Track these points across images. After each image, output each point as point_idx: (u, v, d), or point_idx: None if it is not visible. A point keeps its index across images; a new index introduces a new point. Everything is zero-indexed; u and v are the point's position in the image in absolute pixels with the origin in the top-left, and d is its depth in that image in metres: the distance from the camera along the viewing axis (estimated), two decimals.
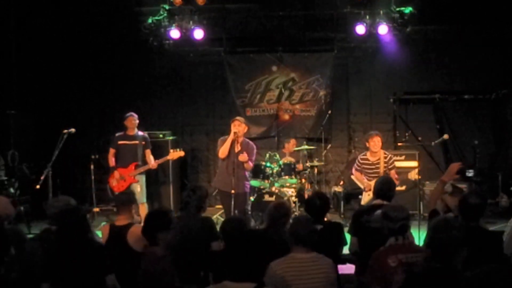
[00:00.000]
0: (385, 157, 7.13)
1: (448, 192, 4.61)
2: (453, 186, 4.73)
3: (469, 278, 2.94)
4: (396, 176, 7.14)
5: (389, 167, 7.11)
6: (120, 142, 7.87)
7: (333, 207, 9.60)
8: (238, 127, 6.81)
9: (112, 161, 7.88)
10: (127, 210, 4.55)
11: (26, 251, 4.05)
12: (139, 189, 7.77)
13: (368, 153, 7.23)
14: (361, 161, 7.24)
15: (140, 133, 8.02)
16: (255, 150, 7.06)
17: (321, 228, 4.51)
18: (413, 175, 7.39)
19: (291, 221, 4.28)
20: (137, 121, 7.97)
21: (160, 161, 7.94)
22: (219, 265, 3.90)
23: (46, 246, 3.93)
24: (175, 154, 7.85)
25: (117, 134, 7.99)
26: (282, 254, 3.67)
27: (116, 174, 7.79)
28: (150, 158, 7.92)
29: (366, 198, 7.02)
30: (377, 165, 7.09)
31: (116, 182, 7.77)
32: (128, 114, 7.94)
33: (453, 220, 3.23)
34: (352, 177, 7.62)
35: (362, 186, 7.23)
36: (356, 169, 7.31)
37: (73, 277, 3.59)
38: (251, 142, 7.10)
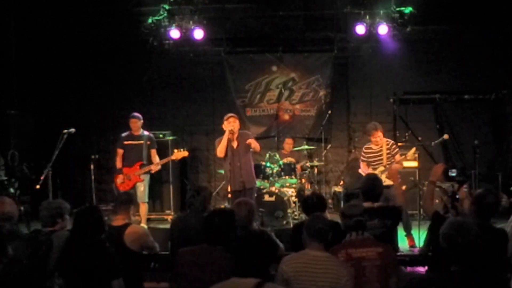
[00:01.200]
0: (388, 144, 7.17)
1: (449, 192, 4.63)
2: (453, 186, 4.75)
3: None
4: (400, 158, 7.13)
5: (393, 153, 7.13)
6: (126, 142, 7.93)
7: (333, 207, 9.60)
8: (233, 123, 6.76)
9: (119, 163, 7.92)
10: (126, 210, 4.55)
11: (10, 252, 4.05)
12: (143, 188, 7.81)
13: (371, 143, 7.28)
14: (365, 151, 7.29)
15: (146, 132, 8.07)
16: (252, 136, 7.10)
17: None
18: (411, 155, 7.28)
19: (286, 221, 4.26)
20: (141, 122, 8.00)
21: (164, 161, 7.97)
22: None
23: (33, 246, 3.92)
24: (179, 154, 7.86)
25: (123, 134, 8.04)
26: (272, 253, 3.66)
27: (123, 173, 7.81)
28: (156, 158, 7.96)
29: None
30: (380, 153, 7.13)
31: (121, 181, 7.79)
32: (131, 116, 7.99)
33: (466, 223, 3.21)
34: (360, 170, 7.63)
35: None
36: (363, 161, 7.34)
37: (81, 276, 3.60)
38: (246, 131, 7.08)
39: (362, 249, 3.71)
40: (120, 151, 7.95)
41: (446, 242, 3.09)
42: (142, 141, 7.90)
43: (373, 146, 7.21)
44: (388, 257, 3.77)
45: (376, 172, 7.00)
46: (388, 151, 7.11)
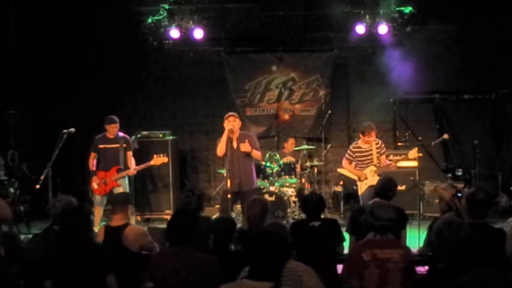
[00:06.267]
0: (377, 143, 7.10)
1: (447, 189, 4.64)
2: (451, 186, 4.76)
3: (463, 282, 2.95)
4: (387, 161, 7.13)
5: (381, 152, 7.08)
6: (101, 146, 7.67)
7: (333, 207, 9.62)
8: (233, 122, 6.63)
9: (92, 165, 7.68)
10: (124, 210, 4.54)
11: (25, 250, 4.06)
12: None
13: (359, 142, 7.18)
14: (354, 150, 7.13)
15: (121, 134, 7.80)
16: (255, 138, 6.90)
17: (319, 224, 4.58)
18: (413, 154, 7.20)
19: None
20: (118, 125, 7.71)
21: (142, 166, 7.73)
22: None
23: (46, 245, 3.93)
24: (158, 160, 7.64)
25: (97, 137, 7.78)
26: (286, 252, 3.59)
27: (98, 177, 7.59)
28: (132, 161, 7.73)
29: (363, 187, 6.97)
30: (370, 152, 7.06)
31: (97, 186, 7.56)
32: (109, 120, 7.66)
33: (458, 221, 3.22)
34: (341, 170, 7.53)
35: (355, 177, 7.16)
36: (348, 159, 7.17)
37: (73, 276, 3.59)
38: (248, 133, 6.99)
39: (388, 251, 3.63)
40: (93, 154, 7.69)
41: (436, 237, 3.12)
42: (118, 145, 7.63)
43: (362, 145, 7.10)
44: (409, 259, 3.72)
45: (367, 171, 6.98)
46: (378, 150, 7.06)
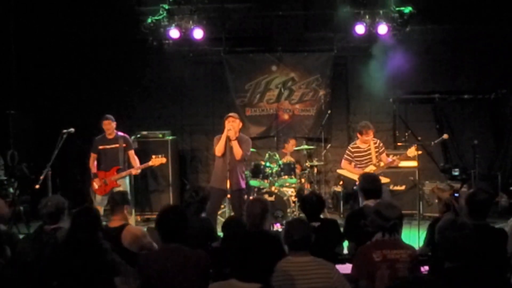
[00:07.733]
0: (375, 143, 7.13)
1: (445, 190, 4.65)
2: (450, 186, 4.77)
3: None
4: (389, 159, 7.16)
5: (380, 151, 7.11)
6: (100, 147, 7.67)
7: (332, 207, 9.61)
8: (233, 123, 6.70)
9: (93, 167, 7.69)
10: (121, 210, 4.54)
11: (16, 252, 4.05)
12: None
13: (358, 142, 7.21)
14: (353, 150, 7.17)
15: (120, 133, 7.79)
16: (249, 142, 6.94)
17: (318, 225, 4.58)
18: (412, 152, 7.17)
19: (282, 225, 4.20)
20: (115, 123, 7.70)
21: (143, 166, 7.71)
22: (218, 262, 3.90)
23: (37, 246, 3.93)
24: (156, 160, 7.64)
25: (97, 138, 7.77)
26: (277, 253, 3.61)
27: (98, 178, 7.60)
28: (135, 160, 7.72)
29: None
30: (369, 151, 7.10)
31: (98, 186, 7.57)
32: (104, 117, 7.67)
33: (460, 220, 3.23)
34: (340, 171, 7.53)
35: (356, 177, 7.14)
36: (347, 159, 7.21)
37: (80, 277, 3.59)
38: (245, 136, 7.02)
39: (397, 251, 3.65)
40: (93, 155, 7.71)
41: (440, 236, 3.14)
42: (117, 145, 7.63)
43: (361, 145, 7.15)
44: (416, 259, 3.75)
45: (367, 170, 6.99)
46: (377, 150, 7.10)
